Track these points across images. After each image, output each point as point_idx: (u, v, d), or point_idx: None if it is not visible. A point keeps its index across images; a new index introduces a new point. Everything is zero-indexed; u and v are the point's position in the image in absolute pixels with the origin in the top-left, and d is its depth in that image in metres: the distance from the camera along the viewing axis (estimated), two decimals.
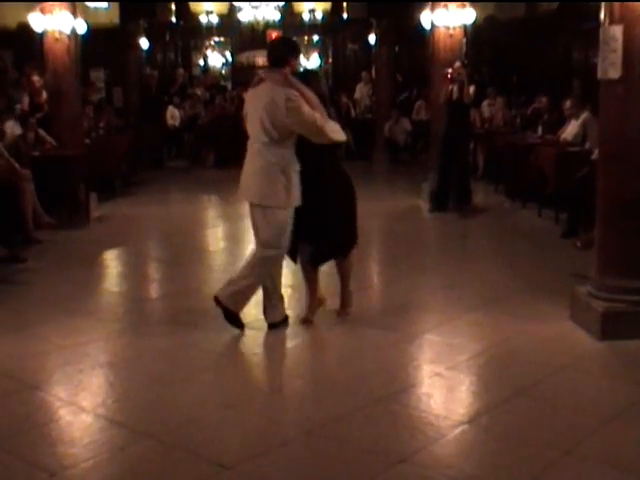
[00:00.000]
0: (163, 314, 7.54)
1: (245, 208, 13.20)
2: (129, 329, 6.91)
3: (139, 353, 6.29)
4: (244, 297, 6.60)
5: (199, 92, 21.51)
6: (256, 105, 6.39)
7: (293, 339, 6.68)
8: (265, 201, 6.39)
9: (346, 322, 6.92)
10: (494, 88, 16.41)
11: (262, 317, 6.80)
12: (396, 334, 6.57)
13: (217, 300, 6.60)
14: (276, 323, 6.72)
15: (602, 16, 6.29)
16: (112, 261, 9.99)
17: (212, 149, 18.68)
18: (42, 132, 11.80)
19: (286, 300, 6.87)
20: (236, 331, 6.69)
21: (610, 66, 6.18)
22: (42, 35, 11.62)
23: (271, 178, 6.34)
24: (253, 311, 7.22)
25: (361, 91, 20.28)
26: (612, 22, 6.17)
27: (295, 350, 6.50)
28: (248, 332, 6.70)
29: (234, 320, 6.62)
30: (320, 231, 6.62)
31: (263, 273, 6.57)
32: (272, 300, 6.72)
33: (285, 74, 6.36)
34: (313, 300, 6.96)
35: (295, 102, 6.22)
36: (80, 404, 5.25)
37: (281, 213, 6.39)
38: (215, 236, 11.57)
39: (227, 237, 11.45)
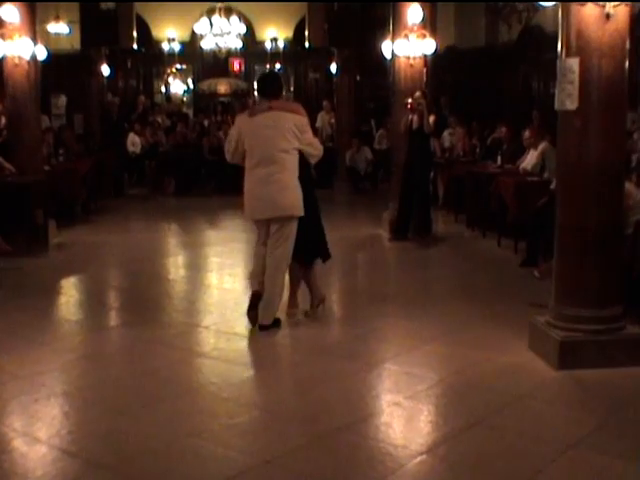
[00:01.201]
0: (120, 343, 7.46)
1: (205, 237, 13.14)
2: (86, 358, 6.85)
3: (95, 382, 6.23)
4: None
5: (160, 119, 21.48)
6: (266, 129, 7.13)
7: (252, 368, 6.68)
8: (298, 212, 7.22)
9: (305, 350, 6.92)
10: (455, 118, 16.53)
11: (220, 346, 6.82)
12: (355, 363, 6.55)
13: (262, 327, 7.31)
14: (269, 325, 7.32)
15: (559, 48, 6.37)
16: (70, 289, 9.89)
17: (173, 176, 18.64)
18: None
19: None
20: (194, 360, 6.70)
21: (567, 97, 6.25)
22: (1, 60, 11.54)
23: (297, 192, 7.19)
24: (211, 340, 7.24)
25: (322, 120, 20.32)
26: (569, 54, 6.25)
27: (254, 379, 6.47)
28: (206, 361, 6.70)
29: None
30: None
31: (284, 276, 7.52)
32: (273, 302, 7.36)
33: (299, 104, 7.69)
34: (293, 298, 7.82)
35: (308, 127, 7.34)
36: (35, 435, 5.18)
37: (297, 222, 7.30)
38: (175, 264, 11.51)
39: (187, 265, 11.39)
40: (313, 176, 7.73)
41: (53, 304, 8.90)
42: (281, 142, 7.13)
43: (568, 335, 6.31)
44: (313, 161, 7.46)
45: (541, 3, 7.00)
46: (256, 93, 8.49)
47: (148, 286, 9.57)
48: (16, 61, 11.40)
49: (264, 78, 7.86)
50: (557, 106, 6.41)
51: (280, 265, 7.36)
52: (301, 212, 7.22)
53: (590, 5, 6.06)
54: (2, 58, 11.49)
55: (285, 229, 7.24)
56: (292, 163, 7.19)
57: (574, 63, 6.18)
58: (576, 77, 6.17)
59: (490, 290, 9.07)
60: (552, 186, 8.94)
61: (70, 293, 9.72)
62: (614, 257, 6.42)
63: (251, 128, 7.22)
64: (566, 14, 6.24)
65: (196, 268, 10.99)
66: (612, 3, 6.04)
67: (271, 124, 7.13)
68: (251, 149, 7.22)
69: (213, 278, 10.24)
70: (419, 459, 4.81)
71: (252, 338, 7.34)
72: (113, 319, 8.49)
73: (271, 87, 7.40)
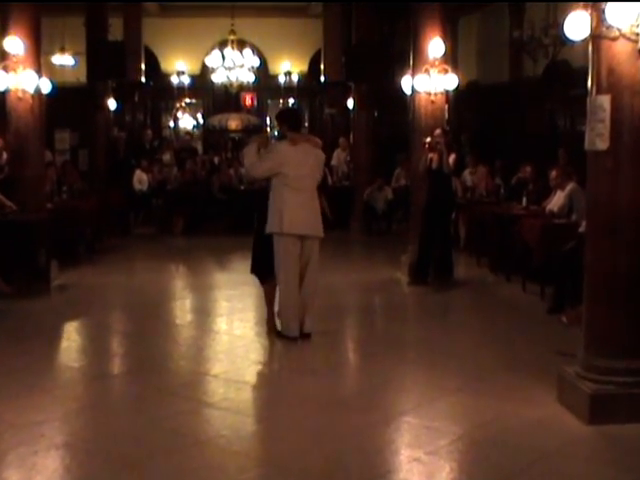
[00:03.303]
0: (125, 392, 7.42)
1: (215, 279, 13.13)
2: (88, 407, 6.82)
3: (98, 433, 6.20)
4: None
5: (168, 156, 21.55)
6: (306, 160, 8.60)
7: (263, 420, 6.62)
8: (322, 233, 8.72)
9: (319, 401, 6.86)
10: (473, 156, 16.53)
11: (230, 396, 6.81)
12: (372, 415, 6.49)
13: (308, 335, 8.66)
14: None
15: (589, 85, 6.36)
16: (72, 333, 9.88)
17: (181, 215, 18.67)
18: (0, 196, 11.71)
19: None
20: (202, 410, 6.66)
21: (597, 137, 6.23)
22: (4, 94, 11.61)
23: (320, 216, 8.76)
24: (221, 389, 7.20)
25: (338, 157, 20.32)
26: (599, 91, 6.24)
27: (265, 432, 6.41)
28: (215, 412, 6.65)
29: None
30: None
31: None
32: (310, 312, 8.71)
33: (320, 142, 9.11)
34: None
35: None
36: None
37: None
38: (182, 308, 11.48)
39: (195, 309, 11.36)
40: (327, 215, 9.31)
41: (54, 349, 8.88)
42: (316, 172, 8.76)
43: (599, 388, 6.24)
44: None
45: (570, 38, 6.96)
46: (279, 124, 9.35)
47: (154, 331, 9.54)
48: (20, 94, 11.45)
49: (293, 112, 10.04)
50: (587, 146, 6.39)
51: (317, 276, 8.82)
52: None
53: (622, 41, 6.07)
54: (5, 91, 11.54)
55: (316, 247, 8.71)
56: (316, 190, 8.77)
57: (605, 101, 6.18)
58: (607, 115, 6.16)
59: (515, 338, 9.00)
60: (581, 229, 8.92)
61: (72, 337, 9.71)
62: None
63: (295, 156, 8.56)
64: (596, 49, 6.25)
65: (205, 312, 10.97)
66: None
67: (307, 155, 8.64)
68: (294, 175, 8.50)
69: (223, 323, 10.20)
70: None
71: (263, 388, 7.32)
72: (117, 366, 8.46)
73: (300, 121, 9.22)
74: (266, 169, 8.61)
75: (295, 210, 8.51)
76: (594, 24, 6.23)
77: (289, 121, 8.92)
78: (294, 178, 8.53)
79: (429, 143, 11.81)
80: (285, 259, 8.58)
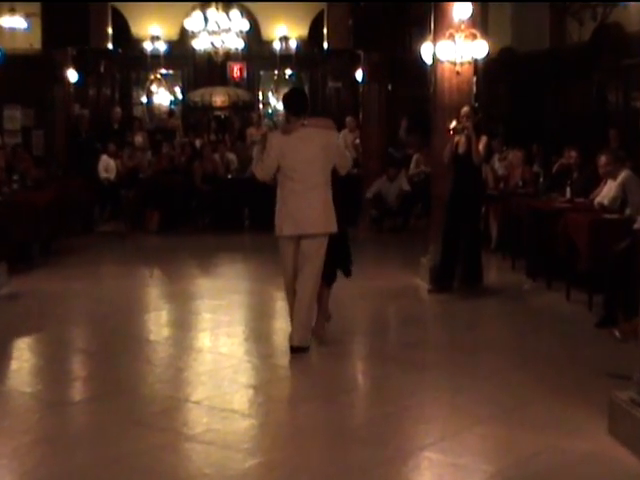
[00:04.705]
0: (88, 422, 7.41)
1: (197, 286, 13.10)
2: (43, 441, 6.80)
3: (56, 473, 6.17)
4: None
5: (140, 139, 21.56)
6: (305, 147, 8.87)
7: (255, 455, 6.59)
8: (331, 229, 8.93)
9: (322, 434, 6.86)
10: (500, 139, 16.50)
11: (215, 427, 6.79)
12: (387, 450, 6.48)
13: (297, 349, 8.84)
14: (304, 347, 8.89)
15: None
16: (24, 352, 9.86)
17: (157, 210, 18.66)
18: None
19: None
20: (182, 445, 6.64)
21: None
22: None
23: (332, 209, 8.96)
24: (204, 419, 7.19)
25: (345, 140, 20.25)
26: None
27: (257, 471, 6.38)
28: (196, 446, 6.63)
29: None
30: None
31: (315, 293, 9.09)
32: (309, 323, 9.07)
33: (328, 119, 9.74)
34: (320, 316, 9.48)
35: (338, 140, 9.63)
36: None
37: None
38: (157, 322, 11.45)
39: (172, 323, 11.35)
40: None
41: (2, 371, 8.86)
42: (318, 159, 8.91)
43: None
44: (343, 172, 9.26)
45: None
46: (284, 110, 10.05)
47: (123, 349, 9.53)
48: None
49: (294, 95, 9.66)
50: None
51: (314, 284, 8.97)
52: (336, 228, 8.95)
53: None
54: None
55: (317, 245, 8.91)
56: (328, 179, 9.02)
57: None
58: None
59: (557, 356, 9.01)
60: (636, 225, 8.90)
61: (24, 357, 9.68)
62: None
63: (289, 146, 8.90)
64: None
65: (184, 327, 10.93)
66: None
67: (307, 141, 8.88)
68: (289, 167, 8.89)
69: (206, 340, 10.19)
70: None
71: (255, 417, 7.29)
72: (79, 391, 8.44)
73: (303, 105, 9.27)
74: (267, 167, 9.06)
75: (292, 208, 8.95)
76: None
77: (289, 106, 9.33)
78: (292, 169, 8.91)
79: (454, 129, 11.72)
80: (281, 260, 9.24)
